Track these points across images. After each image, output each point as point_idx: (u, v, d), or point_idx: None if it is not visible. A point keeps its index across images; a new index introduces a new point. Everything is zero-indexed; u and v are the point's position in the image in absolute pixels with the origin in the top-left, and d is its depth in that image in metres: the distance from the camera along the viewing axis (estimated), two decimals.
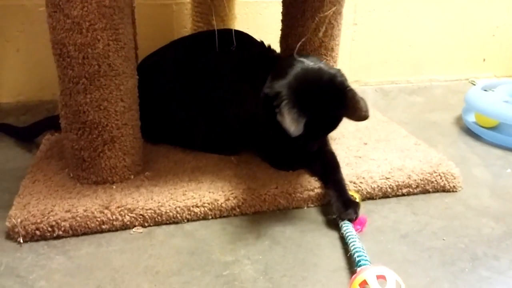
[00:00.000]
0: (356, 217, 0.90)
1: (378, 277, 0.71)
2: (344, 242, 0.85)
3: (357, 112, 0.87)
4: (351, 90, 0.88)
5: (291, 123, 0.81)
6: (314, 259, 0.83)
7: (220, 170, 1.02)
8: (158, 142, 1.14)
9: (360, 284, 0.71)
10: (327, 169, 1.01)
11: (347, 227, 0.87)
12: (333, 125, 0.94)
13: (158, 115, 1.09)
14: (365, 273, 0.72)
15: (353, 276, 0.74)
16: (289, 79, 0.89)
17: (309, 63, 0.93)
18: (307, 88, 0.88)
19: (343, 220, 0.89)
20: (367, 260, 0.77)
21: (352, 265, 0.80)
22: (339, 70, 0.93)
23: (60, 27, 0.86)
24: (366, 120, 1.30)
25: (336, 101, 0.88)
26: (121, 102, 0.93)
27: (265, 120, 0.93)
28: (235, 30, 1.10)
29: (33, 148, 1.19)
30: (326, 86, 0.89)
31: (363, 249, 0.80)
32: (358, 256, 0.78)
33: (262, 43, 1.13)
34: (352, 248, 0.81)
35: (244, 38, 1.13)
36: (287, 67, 0.92)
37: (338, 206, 0.91)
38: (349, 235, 0.84)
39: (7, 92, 1.50)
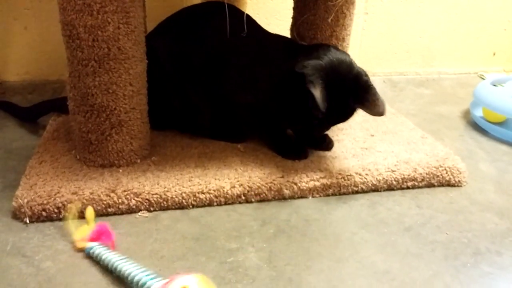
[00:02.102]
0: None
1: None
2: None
3: (376, 108, 0.94)
4: (374, 88, 0.95)
5: (322, 98, 0.88)
6: (318, 248, 0.83)
7: (226, 157, 1.03)
8: (163, 129, 1.12)
9: None
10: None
11: (105, 251, 0.75)
12: (347, 116, 1.00)
13: (162, 101, 1.06)
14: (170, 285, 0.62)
15: None
16: (324, 62, 0.94)
17: (341, 55, 0.98)
18: (337, 76, 0.94)
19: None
20: (153, 277, 0.67)
21: None
22: (364, 70, 0.99)
23: (70, 8, 0.85)
24: None
25: (358, 95, 0.95)
26: (129, 86, 0.93)
27: (281, 101, 1.00)
28: (230, 6, 1.05)
29: (39, 129, 1.19)
30: (353, 79, 0.96)
31: (139, 268, 0.70)
32: (144, 275, 0.67)
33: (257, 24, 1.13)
34: (130, 271, 0.69)
35: (247, 19, 1.09)
36: (322, 52, 0.96)
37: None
38: (119, 260, 0.72)
39: (14, 70, 1.50)
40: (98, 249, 0.76)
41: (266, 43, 1.06)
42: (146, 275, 0.67)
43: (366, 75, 0.98)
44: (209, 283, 0.65)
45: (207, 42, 1.06)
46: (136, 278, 0.67)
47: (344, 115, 1.00)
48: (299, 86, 0.92)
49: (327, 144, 1.09)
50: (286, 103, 0.99)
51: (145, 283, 0.65)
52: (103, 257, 0.74)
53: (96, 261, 0.76)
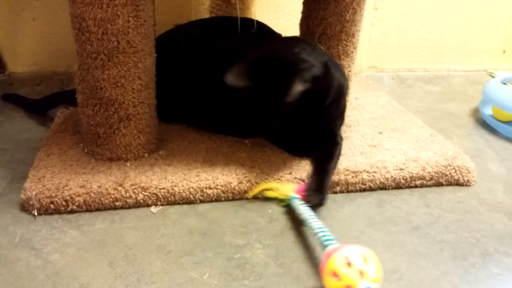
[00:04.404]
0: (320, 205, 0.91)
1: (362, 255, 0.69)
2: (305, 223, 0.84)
3: (285, 96, 0.85)
4: (297, 82, 0.85)
5: (231, 73, 0.87)
6: None
7: (234, 152, 1.02)
8: (171, 121, 1.13)
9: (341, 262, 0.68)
10: (321, 157, 1.00)
11: (301, 206, 0.87)
12: (283, 109, 0.88)
13: (172, 94, 1.08)
14: (347, 250, 0.69)
15: (329, 253, 0.71)
16: (265, 49, 0.92)
17: (296, 46, 0.92)
18: (268, 62, 0.90)
19: (310, 203, 0.88)
20: (333, 239, 0.75)
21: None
22: (312, 65, 0.89)
23: (80, 0, 0.84)
24: (382, 108, 1.31)
25: (282, 84, 0.86)
26: (138, 80, 0.92)
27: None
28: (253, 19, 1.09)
29: (47, 120, 1.19)
30: (285, 67, 0.88)
31: (325, 227, 0.79)
32: (323, 236, 0.76)
33: (278, 33, 1.13)
34: (314, 229, 0.79)
35: (261, 27, 1.11)
36: (278, 41, 0.95)
37: (311, 188, 0.91)
38: (308, 216, 0.83)
39: (22, 61, 1.50)
40: (297, 201, 0.88)
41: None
42: (326, 236, 0.77)
43: (304, 67, 0.87)
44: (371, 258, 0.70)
45: (223, 45, 1.07)
46: (319, 235, 0.78)
47: (279, 108, 0.88)
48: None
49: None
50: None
51: (324, 241, 0.75)
52: (299, 209, 0.86)
53: (292, 209, 0.90)
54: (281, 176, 0.95)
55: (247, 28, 1.06)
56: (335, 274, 0.68)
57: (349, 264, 0.68)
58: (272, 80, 0.88)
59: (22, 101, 1.27)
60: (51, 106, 1.22)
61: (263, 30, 1.11)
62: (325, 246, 0.74)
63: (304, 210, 0.85)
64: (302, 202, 0.88)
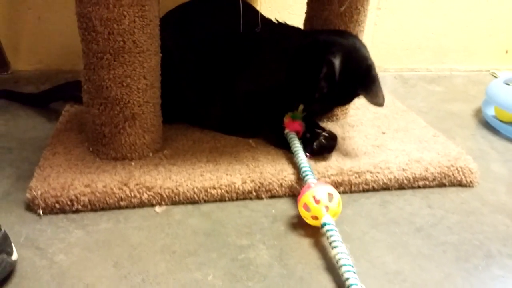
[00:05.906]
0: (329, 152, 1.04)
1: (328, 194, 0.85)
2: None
3: (377, 99, 0.98)
4: (379, 82, 1.00)
5: (339, 68, 0.94)
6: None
7: (238, 152, 1.03)
8: (174, 122, 1.11)
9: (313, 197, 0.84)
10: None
11: (295, 142, 1.00)
12: (349, 99, 1.06)
13: (172, 94, 1.04)
14: (317, 188, 0.85)
15: (304, 189, 0.87)
16: (347, 44, 1.01)
17: (361, 43, 1.05)
18: (353, 60, 0.99)
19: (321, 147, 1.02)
20: (314, 176, 0.91)
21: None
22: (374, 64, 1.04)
23: (87, 0, 0.85)
24: (385, 108, 1.31)
25: (365, 83, 0.99)
26: (143, 80, 0.93)
27: (289, 78, 1.03)
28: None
29: (52, 119, 1.19)
30: (365, 68, 1.00)
31: (309, 166, 0.94)
32: (304, 171, 0.92)
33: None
34: (300, 164, 0.94)
35: (250, 10, 1.10)
36: (346, 35, 1.05)
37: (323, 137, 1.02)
38: (298, 152, 0.97)
39: (27, 59, 1.50)
40: (292, 135, 1.03)
41: (276, 30, 1.10)
42: (308, 170, 0.92)
43: (375, 69, 1.02)
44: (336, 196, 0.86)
45: (215, 33, 1.06)
46: (301, 166, 0.94)
47: (346, 98, 1.05)
48: (310, 60, 0.99)
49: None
50: (293, 79, 1.03)
51: (305, 176, 0.92)
52: (293, 142, 1.01)
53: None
54: (285, 176, 0.96)
55: (232, 11, 1.03)
56: (306, 206, 0.85)
57: (318, 201, 0.83)
58: (353, 73, 0.99)
59: (18, 97, 1.29)
60: (51, 99, 1.23)
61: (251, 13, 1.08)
62: (304, 178, 0.91)
63: (296, 145, 0.99)
64: (295, 137, 1.02)
